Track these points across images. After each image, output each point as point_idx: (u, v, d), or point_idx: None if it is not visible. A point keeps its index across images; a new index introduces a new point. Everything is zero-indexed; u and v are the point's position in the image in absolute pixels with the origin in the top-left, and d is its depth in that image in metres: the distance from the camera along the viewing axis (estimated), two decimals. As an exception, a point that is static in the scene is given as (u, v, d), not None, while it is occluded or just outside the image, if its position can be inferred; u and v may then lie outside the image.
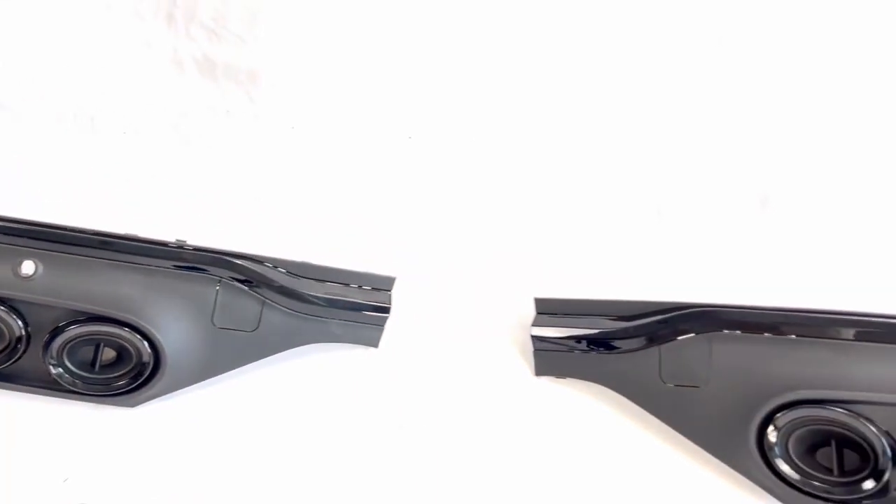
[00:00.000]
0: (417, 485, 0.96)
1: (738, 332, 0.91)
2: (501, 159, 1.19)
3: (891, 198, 1.07)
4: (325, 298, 0.99)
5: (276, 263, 0.98)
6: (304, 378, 1.01)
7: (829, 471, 0.88)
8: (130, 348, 0.94)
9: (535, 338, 1.00)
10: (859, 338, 0.87)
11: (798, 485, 0.87)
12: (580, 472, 0.95)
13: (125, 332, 0.93)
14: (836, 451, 0.88)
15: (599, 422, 0.99)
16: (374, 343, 1.02)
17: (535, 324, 1.00)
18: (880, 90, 1.11)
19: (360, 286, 1.00)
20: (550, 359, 1.00)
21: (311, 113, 1.21)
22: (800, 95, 1.14)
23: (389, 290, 1.01)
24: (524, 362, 1.03)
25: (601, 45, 1.17)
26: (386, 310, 1.00)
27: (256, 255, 0.98)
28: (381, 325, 1.01)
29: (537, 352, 1.01)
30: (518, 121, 1.20)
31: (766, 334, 0.90)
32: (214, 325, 0.96)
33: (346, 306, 0.99)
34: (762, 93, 1.15)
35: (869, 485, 0.85)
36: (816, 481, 0.87)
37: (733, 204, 1.11)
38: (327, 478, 0.94)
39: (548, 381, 1.02)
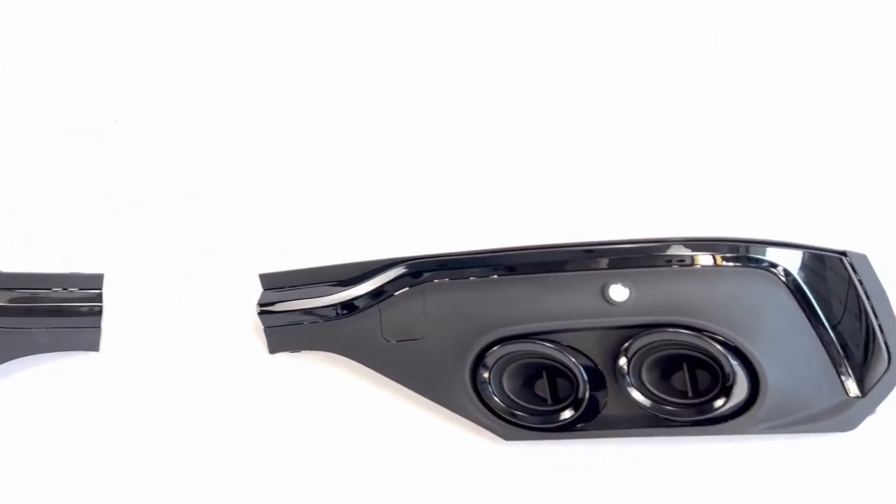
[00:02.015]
0: (166, 486, 0.93)
1: (447, 279, 0.92)
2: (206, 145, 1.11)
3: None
4: (23, 307, 0.92)
5: (-40, 277, 0.92)
6: (16, 398, 0.95)
7: (545, 401, 0.92)
8: None
9: (262, 315, 0.98)
10: (554, 269, 0.90)
11: (507, 416, 0.90)
12: (321, 441, 0.94)
13: None
14: (547, 381, 0.91)
15: (334, 390, 0.97)
16: (93, 347, 0.97)
17: (262, 300, 0.98)
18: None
19: (64, 288, 0.94)
20: (282, 334, 0.98)
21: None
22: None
23: (99, 289, 0.95)
24: (259, 342, 1.02)
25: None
26: (98, 310, 0.95)
27: (-68, 271, 0.91)
28: (95, 326, 0.95)
29: (268, 329, 0.98)
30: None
31: (472, 278, 0.92)
32: None
33: (50, 312, 0.92)
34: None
35: (567, 413, 0.89)
36: (521, 411, 0.90)
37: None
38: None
39: (283, 358, 1.00)
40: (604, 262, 0.89)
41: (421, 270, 0.93)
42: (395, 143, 1.08)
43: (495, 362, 0.90)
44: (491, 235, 0.99)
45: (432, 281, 0.93)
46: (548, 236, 0.94)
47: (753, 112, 1.04)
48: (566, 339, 0.89)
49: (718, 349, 0.85)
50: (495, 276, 0.91)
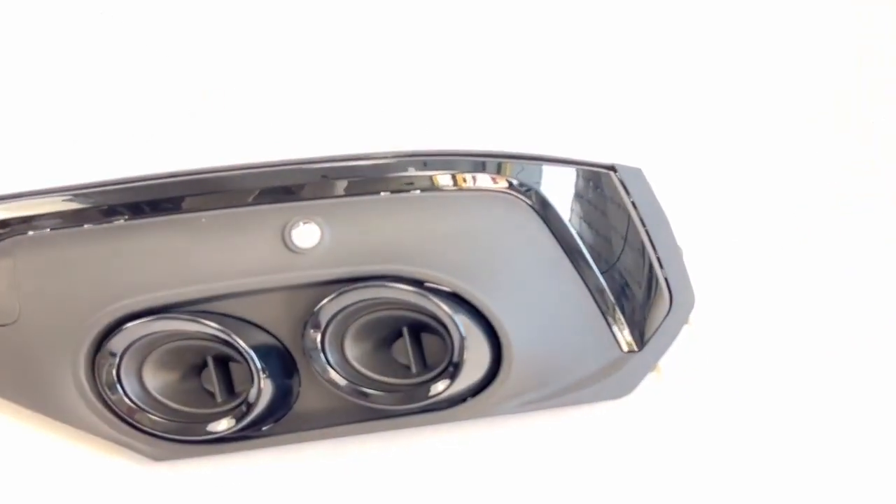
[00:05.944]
0: None
1: (47, 230, 0.63)
2: None
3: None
4: None
5: None
6: None
7: (212, 395, 0.66)
8: None
9: None
10: (210, 205, 0.62)
11: (150, 429, 0.63)
12: None
13: None
14: (214, 371, 0.64)
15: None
16: None
17: None
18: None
19: None
20: None
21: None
22: None
23: None
24: None
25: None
26: None
27: None
28: None
29: None
30: None
31: (86, 226, 0.63)
32: None
33: None
34: None
35: (224, 425, 0.62)
36: (174, 418, 0.63)
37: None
38: None
39: None
40: (282, 191, 0.63)
41: (4, 218, 0.64)
42: None
43: (125, 350, 0.62)
44: (122, 160, 0.74)
45: (25, 234, 0.63)
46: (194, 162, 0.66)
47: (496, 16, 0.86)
48: (232, 307, 0.63)
49: (443, 308, 0.62)
50: (121, 221, 0.63)
